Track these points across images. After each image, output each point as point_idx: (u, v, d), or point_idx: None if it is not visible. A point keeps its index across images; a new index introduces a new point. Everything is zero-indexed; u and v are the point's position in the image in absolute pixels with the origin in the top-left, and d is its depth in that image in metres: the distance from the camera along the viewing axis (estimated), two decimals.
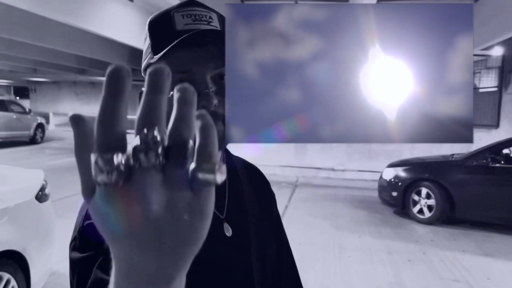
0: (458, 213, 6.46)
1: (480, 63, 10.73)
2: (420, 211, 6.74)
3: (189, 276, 0.77)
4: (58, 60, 14.60)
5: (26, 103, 30.93)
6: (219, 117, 0.71)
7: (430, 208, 6.65)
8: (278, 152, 10.16)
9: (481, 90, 10.89)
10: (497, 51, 9.51)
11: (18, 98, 37.21)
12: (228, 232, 0.82)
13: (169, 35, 0.72)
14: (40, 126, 15.94)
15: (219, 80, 0.73)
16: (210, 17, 0.76)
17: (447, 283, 4.30)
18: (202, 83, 0.72)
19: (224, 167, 0.31)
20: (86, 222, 0.70)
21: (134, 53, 12.77)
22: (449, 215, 6.54)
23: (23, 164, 10.21)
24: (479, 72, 11.18)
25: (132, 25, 7.41)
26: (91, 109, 35.37)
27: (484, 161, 6.39)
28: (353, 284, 4.22)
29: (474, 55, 9.87)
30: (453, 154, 7.31)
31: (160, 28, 0.76)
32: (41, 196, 3.21)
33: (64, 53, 13.12)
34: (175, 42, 0.69)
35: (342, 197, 8.31)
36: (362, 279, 4.35)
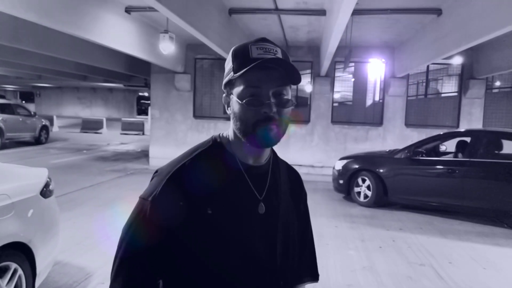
0: (390, 197, 6.80)
1: (442, 71, 10.89)
2: (361, 196, 7.09)
3: (227, 243, 0.93)
4: (61, 67, 14.33)
5: (31, 107, 30.42)
6: (275, 121, 0.91)
7: (368, 193, 6.99)
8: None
9: (443, 95, 11.06)
10: (457, 60, 9.68)
11: (24, 102, 36.55)
12: (262, 210, 0.98)
13: (247, 60, 0.91)
14: (45, 128, 15.66)
15: (278, 95, 0.93)
16: (275, 50, 0.94)
17: (414, 267, 4.36)
18: (266, 96, 0.91)
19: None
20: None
21: (131, 61, 12.62)
22: (384, 200, 6.88)
23: (29, 162, 10.04)
24: (442, 79, 11.34)
25: (129, 35, 7.31)
26: (92, 112, 34.90)
27: (409, 154, 6.74)
28: (329, 268, 4.24)
29: (437, 63, 10.02)
30: (391, 149, 7.48)
31: (240, 55, 0.94)
32: (45, 192, 3.16)
33: (66, 60, 12.91)
34: (251, 65, 0.88)
35: (321, 190, 8.35)
36: (338, 263, 4.38)
